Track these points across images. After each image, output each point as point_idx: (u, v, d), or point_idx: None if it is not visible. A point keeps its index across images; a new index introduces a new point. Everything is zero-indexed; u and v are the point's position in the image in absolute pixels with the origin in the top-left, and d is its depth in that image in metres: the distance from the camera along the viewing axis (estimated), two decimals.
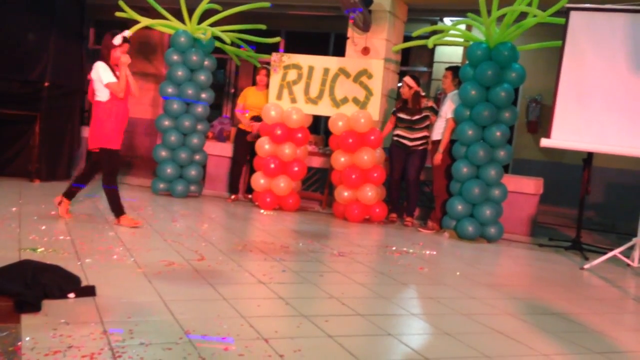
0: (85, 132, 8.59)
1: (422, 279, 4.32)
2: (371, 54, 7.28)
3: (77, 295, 3.03)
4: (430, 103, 6.79)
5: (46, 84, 7.18)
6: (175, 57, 7.11)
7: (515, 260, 5.52)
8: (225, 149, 7.81)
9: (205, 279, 3.66)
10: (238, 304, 3.22)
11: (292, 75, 7.04)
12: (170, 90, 7.13)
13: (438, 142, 6.44)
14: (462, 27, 7.47)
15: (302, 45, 9.29)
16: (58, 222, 4.92)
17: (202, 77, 7.22)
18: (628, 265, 5.35)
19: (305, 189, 7.65)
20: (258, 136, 7.06)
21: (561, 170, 9.24)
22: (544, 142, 5.71)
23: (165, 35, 10.60)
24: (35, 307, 2.77)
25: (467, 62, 6.22)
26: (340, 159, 6.66)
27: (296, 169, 6.90)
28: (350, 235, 5.84)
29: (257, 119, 7.18)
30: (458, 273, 4.60)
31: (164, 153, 7.16)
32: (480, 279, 4.45)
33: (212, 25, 7.18)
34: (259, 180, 6.92)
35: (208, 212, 6.50)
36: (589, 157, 6.04)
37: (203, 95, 7.28)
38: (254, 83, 7.46)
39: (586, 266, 5.24)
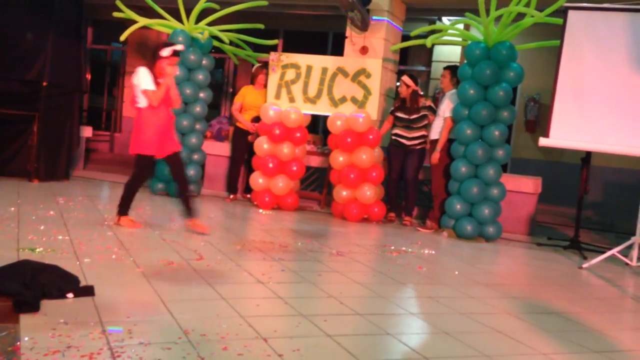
0: (84, 131, 8.61)
1: (421, 279, 4.32)
2: (369, 53, 7.29)
3: (76, 295, 3.02)
4: (429, 102, 6.80)
5: (44, 83, 7.17)
6: None
7: (514, 260, 5.53)
8: (224, 149, 7.81)
9: (204, 278, 3.66)
10: (237, 304, 3.22)
11: (290, 74, 7.04)
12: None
13: (436, 141, 6.45)
14: (460, 26, 7.47)
15: (301, 45, 9.30)
16: (56, 222, 4.91)
17: (200, 76, 7.22)
18: (626, 264, 5.36)
19: (304, 188, 7.65)
20: (259, 136, 7.06)
21: (560, 169, 9.26)
22: (543, 142, 5.72)
23: (162, 34, 10.59)
24: (34, 307, 2.76)
25: (465, 61, 6.22)
26: (338, 159, 6.67)
27: (295, 168, 6.90)
28: (348, 235, 5.84)
29: (257, 119, 7.17)
30: (457, 272, 4.60)
31: None
32: (479, 278, 4.46)
33: (210, 24, 7.18)
34: (257, 180, 6.92)
35: (207, 211, 6.49)
36: (588, 156, 6.05)
37: (201, 95, 7.27)
38: (252, 82, 7.45)
39: (585, 265, 5.25)
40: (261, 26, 7.47)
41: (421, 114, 6.63)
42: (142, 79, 4.83)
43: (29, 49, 7.18)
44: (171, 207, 6.34)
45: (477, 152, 5.96)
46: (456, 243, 5.91)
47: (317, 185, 7.70)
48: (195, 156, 7.33)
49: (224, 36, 7.05)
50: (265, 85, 7.25)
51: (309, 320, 3.07)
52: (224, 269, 3.96)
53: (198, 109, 7.24)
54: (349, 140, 6.56)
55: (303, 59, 7.04)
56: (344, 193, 6.63)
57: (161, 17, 7.25)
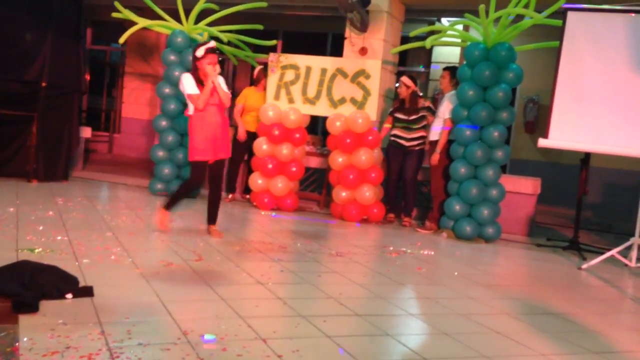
0: (84, 132, 8.60)
1: (420, 279, 4.32)
2: (369, 54, 7.29)
3: (75, 296, 3.02)
4: (428, 103, 6.80)
5: (43, 84, 7.16)
6: (172, 57, 7.10)
7: (513, 260, 5.53)
8: None
9: (203, 279, 3.66)
10: (236, 305, 3.22)
11: (289, 75, 7.04)
12: (167, 90, 7.13)
13: (435, 142, 6.45)
14: (460, 27, 7.47)
15: (300, 46, 9.30)
16: (56, 222, 4.91)
17: None
18: (626, 265, 5.36)
19: (303, 189, 7.65)
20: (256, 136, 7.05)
21: (559, 170, 9.27)
22: (542, 143, 5.72)
23: (161, 35, 10.59)
24: (33, 308, 2.76)
25: (464, 62, 6.23)
26: (338, 159, 6.66)
27: (294, 169, 6.90)
28: (348, 236, 5.84)
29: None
30: (456, 273, 4.60)
31: (161, 153, 7.16)
32: (478, 279, 4.46)
33: (209, 25, 7.18)
34: (256, 181, 6.91)
35: (205, 212, 6.48)
36: (587, 157, 6.05)
37: None
38: (251, 83, 7.45)
39: (584, 266, 5.25)
40: (260, 27, 7.47)
41: (420, 114, 6.63)
42: (185, 84, 4.74)
43: (28, 50, 7.17)
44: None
45: (476, 153, 5.96)
46: (455, 244, 5.92)
47: (316, 186, 7.70)
48: None
49: (223, 37, 7.05)
50: (264, 88, 7.25)
51: (309, 321, 3.06)
52: (223, 270, 3.96)
53: None
54: (348, 141, 6.55)
55: (302, 60, 7.04)
56: (343, 194, 6.63)
57: (160, 17, 7.25)
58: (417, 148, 6.66)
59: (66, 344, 2.44)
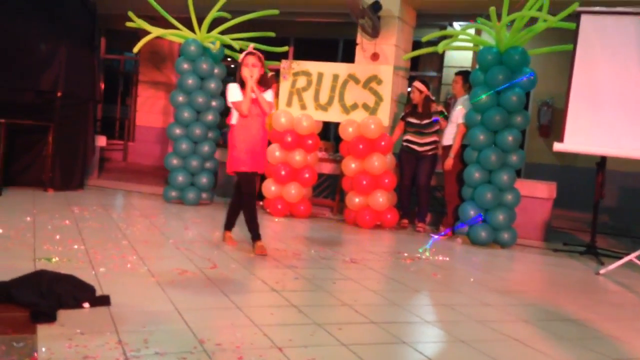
0: (99, 141, 8.68)
1: (435, 286, 4.30)
2: (380, 59, 7.30)
3: (92, 305, 3.04)
4: (440, 108, 6.78)
5: (59, 93, 7.24)
6: (185, 66, 7.15)
7: (529, 266, 5.48)
8: None
9: (218, 287, 3.66)
10: (251, 312, 3.22)
11: (301, 82, 7.05)
12: (180, 98, 7.17)
13: (449, 147, 6.42)
14: (472, 31, 7.45)
15: (311, 52, 9.33)
16: (72, 231, 4.95)
17: (213, 85, 7.26)
18: None
19: (316, 195, 7.65)
20: None
21: (575, 174, 9.19)
22: (557, 147, 5.68)
23: (175, 43, 10.68)
24: (50, 317, 2.78)
25: (477, 66, 6.21)
26: (350, 165, 6.66)
27: (307, 175, 6.90)
28: (362, 242, 5.82)
29: None
30: (472, 279, 4.57)
31: (175, 161, 7.20)
32: (494, 285, 4.42)
33: (222, 33, 7.22)
34: (269, 187, 6.93)
35: (220, 219, 6.50)
36: (603, 160, 6.00)
37: (213, 104, 7.31)
38: None
39: (602, 271, 5.19)
40: (272, 34, 7.50)
41: (433, 119, 6.61)
42: (229, 93, 4.65)
43: (43, 60, 7.25)
44: (185, 216, 6.37)
45: (490, 158, 5.92)
46: (470, 249, 5.88)
47: (329, 192, 7.69)
48: (208, 164, 7.36)
49: (235, 44, 7.09)
50: (276, 94, 7.27)
51: (324, 328, 3.06)
52: (237, 277, 3.96)
53: (210, 117, 7.28)
54: (360, 147, 6.55)
55: (314, 67, 7.05)
56: (357, 200, 6.62)
57: (173, 26, 7.31)
58: (430, 153, 6.64)
59: (84, 354, 2.45)
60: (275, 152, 6.91)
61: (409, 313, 3.53)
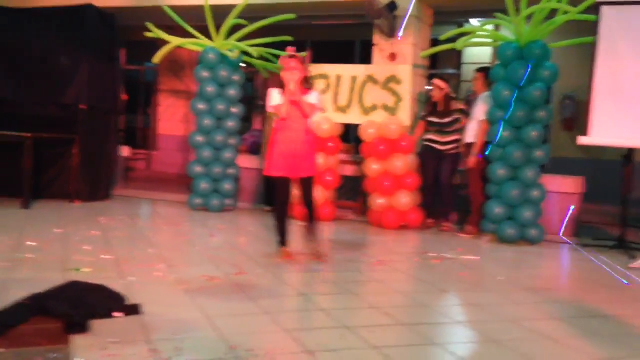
0: (123, 151, 8.79)
1: (464, 285, 4.26)
2: (398, 59, 7.26)
3: (123, 314, 3.07)
4: (461, 105, 6.72)
5: (82, 106, 7.34)
6: (204, 74, 7.20)
7: (558, 262, 5.40)
8: (258, 162, 7.85)
9: (245, 292, 3.68)
10: (280, 317, 3.22)
11: (320, 85, 7.06)
12: (201, 106, 7.23)
13: (471, 145, 6.36)
14: (491, 27, 7.39)
15: (329, 55, 9.31)
16: (100, 241, 5.01)
17: (232, 92, 7.29)
18: None
19: (339, 198, 7.63)
20: None
21: (602, 167, 9.03)
22: (582, 140, 5.60)
23: (193, 52, 10.76)
24: (83, 328, 2.82)
25: (497, 62, 6.14)
26: (372, 167, 6.64)
27: (329, 178, 6.90)
28: (387, 243, 5.80)
29: None
30: (500, 278, 4.52)
31: (198, 169, 7.25)
32: (523, 283, 4.37)
33: (239, 40, 7.26)
34: (293, 192, 6.92)
35: (244, 225, 6.55)
36: (630, 153, 5.89)
37: (233, 110, 7.34)
38: None
39: (633, 265, 5.09)
40: (290, 38, 7.51)
41: (453, 117, 6.56)
42: (270, 99, 4.62)
43: (66, 74, 7.37)
44: (210, 223, 6.41)
45: (514, 154, 5.86)
46: (498, 247, 5.81)
47: (352, 194, 7.67)
48: (231, 170, 7.40)
49: (252, 51, 7.13)
50: None
51: (353, 332, 3.05)
52: (264, 283, 3.97)
53: (231, 124, 7.31)
54: (382, 147, 6.53)
55: (332, 69, 7.06)
56: (380, 201, 6.59)
57: (191, 35, 7.36)
58: (452, 152, 6.58)
59: None
60: None
61: (439, 314, 3.50)
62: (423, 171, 6.75)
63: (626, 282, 4.58)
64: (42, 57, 7.39)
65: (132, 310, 3.14)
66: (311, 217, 4.72)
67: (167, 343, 2.74)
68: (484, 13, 7.92)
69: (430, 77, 7.61)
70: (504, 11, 6.01)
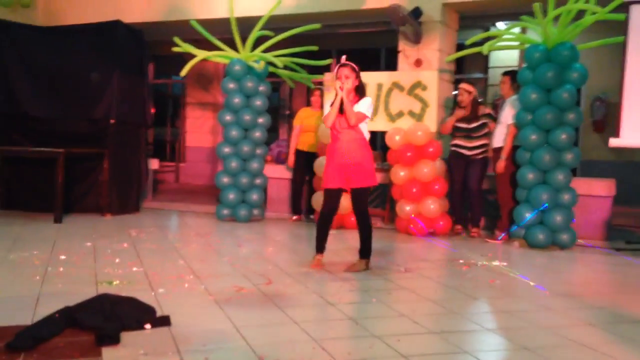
0: (152, 164, 8.91)
1: (494, 292, 4.20)
2: (424, 65, 7.22)
3: (153, 326, 3.10)
4: (488, 110, 6.65)
5: (112, 121, 7.48)
6: (231, 85, 7.28)
7: (591, 267, 5.29)
8: (285, 171, 7.89)
9: (274, 302, 3.68)
10: (308, 327, 3.22)
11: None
12: (228, 118, 7.30)
13: (499, 149, 6.29)
14: (517, 30, 7.30)
15: (354, 62, 9.33)
16: (131, 254, 5.08)
17: (259, 102, 7.35)
18: None
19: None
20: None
21: (635, 169, 8.83)
22: (613, 142, 5.49)
23: (220, 64, 10.89)
24: (114, 340, 2.85)
25: (524, 65, 6.07)
26: (399, 174, 6.60)
27: None
28: (415, 250, 5.75)
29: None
30: (532, 284, 4.44)
31: (225, 179, 7.32)
32: (555, 289, 4.28)
33: (265, 51, 7.32)
34: (319, 200, 6.92)
35: (272, 234, 6.57)
36: None
37: (260, 121, 7.40)
38: (308, 104, 7.54)
39: None
40: (315, 48, 7.54)
41: (481, 122, 6.49)
42: (324, 109, 4.63)
43: (96, 90, 7.52)
44: (238, 233, 6.45)
45: (544, 158, 5.76)
46: (528, 253, 5.72)
47: (379, 201, 7.64)
48: (258, 180, 7.45)
49: (278, 61, 7.17)
50: (321, 106, 7.30)
51: (382, 340, 3.02)
52: (293, 292, 3.97)
53: (258, 134, 7.37)
54: (408, 154, 6.49)
55: None
56: (408, 208, 6.55)
57: (217, 47, 7.45)
58: (480, 157, 6.51)
59: None
60: (323, 164, 6.91)
61: (469, 321, 3.45)
62: (451, 177, 6.69)
63: None
64: (74, 73, 7.55)
65: (162, 322, 3.17)
66: (363, 228, 4.65)
67: (197, 354, 2.75)
68: (510, 16, 7.84)
69: (456, 82, 7.56)
70: (531, 14, 5.94)
